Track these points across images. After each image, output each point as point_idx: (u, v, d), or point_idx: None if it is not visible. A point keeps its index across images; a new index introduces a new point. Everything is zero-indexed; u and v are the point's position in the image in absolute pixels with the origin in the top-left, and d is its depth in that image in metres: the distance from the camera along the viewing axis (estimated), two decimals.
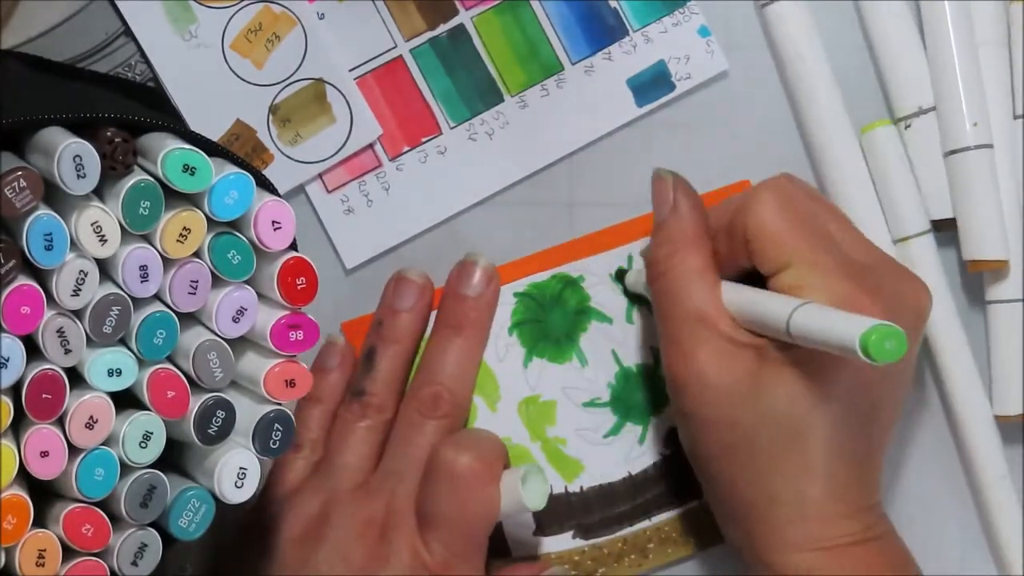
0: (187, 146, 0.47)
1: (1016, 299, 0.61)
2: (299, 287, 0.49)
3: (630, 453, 0.62)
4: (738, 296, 0.55)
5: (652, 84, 0.62)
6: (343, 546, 0.57)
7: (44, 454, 0.46)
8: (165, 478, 0.48)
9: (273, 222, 0.48)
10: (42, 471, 0.46)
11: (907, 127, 0.61)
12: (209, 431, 0.48)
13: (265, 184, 0.49)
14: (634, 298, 0.62)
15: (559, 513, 0.62)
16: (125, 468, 0.48)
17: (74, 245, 0.45)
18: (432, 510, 0.57)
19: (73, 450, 0.46)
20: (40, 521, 0.47)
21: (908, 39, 0.61)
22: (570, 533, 0.62)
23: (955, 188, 0.60)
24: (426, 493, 0.57)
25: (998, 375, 0.61)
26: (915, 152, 0.61)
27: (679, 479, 0.62)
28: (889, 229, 0.61)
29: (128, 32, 0.59)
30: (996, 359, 0.61)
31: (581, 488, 0.62)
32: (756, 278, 0.55)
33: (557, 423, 0.62)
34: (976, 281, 0.62)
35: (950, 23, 0.60)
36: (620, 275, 0.62)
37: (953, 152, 0.60)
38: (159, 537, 0.48)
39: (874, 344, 0.46)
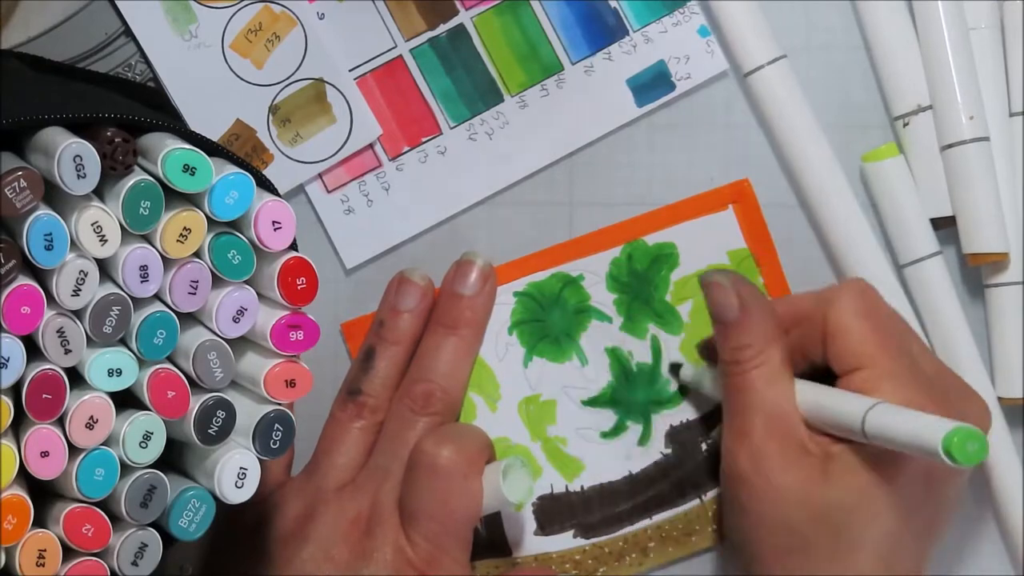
0: (187, 146, 0.47)
1: (1015, 282, 0.61)
2: (299, 287, 0.49)
3: (631, 452, 0.62)
4: (810, 394, 0.55)
5: (652, 84, 0.62)
6: (328, 544, 0.57)
7: (44, 454, 0.46)
8: (165, 478, 0.48)
9: (273, 222, 0.48)
10: (42, 471, 0.46)
11: (905, 125, 0.61)
12: (209, 431, 0.48)
13: (265, 184, 0.49)
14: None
15: (560, 512, 0.62)
16: (125, 468, 0.47)
17: (74, 245, 0.45)
18: (414, 504, 0.57)
19: (73, 450, 0.46)
20: (40, 521, 0.47)
21: (905, 37, 0.61)
22: (571, 532, 0.62)
23: (953, 182, 0.60)
24: (408, 487, 0.57)
25: (999, 358, 0.61)
26: (913, 150, 0.61)
27: (680, 478, 0.62)
28: (896, 255, 0.62)
29: (128, 32, 0.59)
30: (996, 342, 0.61)
31: (582, 487, 0.62)
32: (821, 376, 0.56)
33: (558, 422, 0.62)
34: (975, 271, 0.62)
35: (943, 17, 0.60)
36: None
37: (950, 146, 0.60)
38: (159, 537, 0.48)
39: (957, 446, 0.46)
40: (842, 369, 0.55)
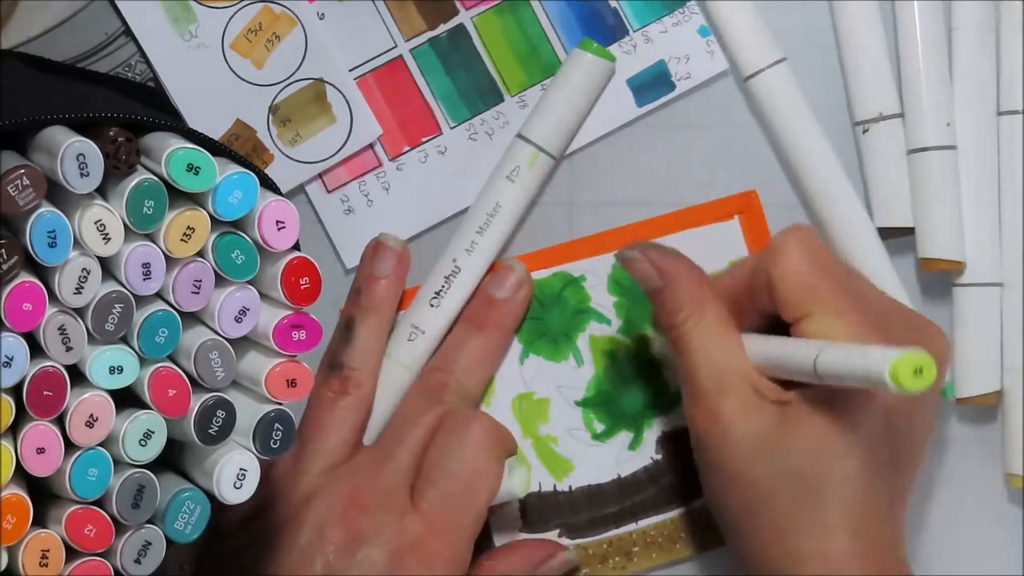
0: (191, 145, 0.47)
1: (983, 283, 0.61)
2: (302, 287, 0.49)
3: (621, 455, 0.62)
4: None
5: (652, 84, 0.62)
6: (323, 526, 0.56)
7: (40, 451, 0.46)
8: (154, 477, 0.48)
9: (277, 222, 0.48)
10: (37, 468, 0.46)
11: (865, 131, 0.61)
12: (209, 431, 0.48)
13: (269, 184, 0.49)
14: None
15: (546, 511, 0.62)
16: (121, 468, 0.47)
17: (77, 243, 0.45)
18: (438, 463, 0.57)
19: (73, 448, 0.46)
20: (43, 522, 0.47)
21: (875, 44, 0.61)
22: (556, 532, 0.62)
23: (917, 187, 0.60)
24: (436, 448, 0.57)
25: (961, 358, 0.61)
26: (871, 157, 0.61)
27: (668, 484, 0.62)
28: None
29: (128, 32, 0.59)
30: (960, 342, 0.61)
31: (570, 488, 0.62)
32: (775, 332, 0.56)
33: (550, 421, 0.62)
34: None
35: (918, 21, 0.60)
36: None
37: (916, 151, 0.60)
38: (163, 535, 0.48)
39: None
40: (792, 316, 0.54)
